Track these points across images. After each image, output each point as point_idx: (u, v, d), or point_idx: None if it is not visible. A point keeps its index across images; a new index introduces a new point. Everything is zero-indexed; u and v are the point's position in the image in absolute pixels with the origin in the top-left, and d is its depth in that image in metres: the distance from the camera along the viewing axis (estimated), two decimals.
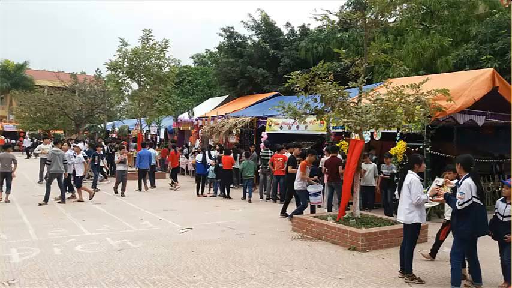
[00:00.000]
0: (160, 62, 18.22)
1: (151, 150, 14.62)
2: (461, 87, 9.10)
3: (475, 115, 9.42)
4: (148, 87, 18.49)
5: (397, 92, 6.94)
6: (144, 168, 13.48)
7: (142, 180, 13.41)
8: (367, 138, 8.77)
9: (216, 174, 12.38)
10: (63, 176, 10.79)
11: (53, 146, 11.38)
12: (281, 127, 13.17)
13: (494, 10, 14.87)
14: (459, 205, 4.68)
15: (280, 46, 20.29)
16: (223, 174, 12.20)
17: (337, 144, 10.33)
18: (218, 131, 15.18)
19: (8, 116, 43.32)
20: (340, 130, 10.44)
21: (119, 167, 12.35)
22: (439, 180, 5.86)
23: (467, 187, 4.67)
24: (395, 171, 9.19)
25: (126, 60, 17.70)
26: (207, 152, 12.76)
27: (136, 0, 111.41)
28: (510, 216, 4.87)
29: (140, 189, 13.27)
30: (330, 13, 7.99)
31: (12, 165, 10.81)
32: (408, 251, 5.27)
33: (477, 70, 10.72)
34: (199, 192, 12.46)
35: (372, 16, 8.00)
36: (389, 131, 8.55)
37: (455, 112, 8.75)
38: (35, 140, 30.24)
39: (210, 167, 12.40)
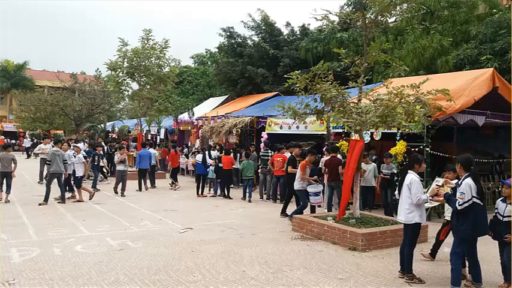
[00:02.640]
0: (160, 62, 18.23)
1: (151, 150, 14.61)
2: (461, 87, 9.09)
3: (475, 115, 9.42)
4: (148, 87, 18.51)
5: (397, 92, 6.95)
6: (144, 168, 13.48)
7: (142, 180, 13.41)
8: (367, 138, 8.77)
9: (216, 174, 12.38)
10: (63, 176, 10.79)
11: (53, 146, 11.36)
12: (281, 127, 13.16)
13: (494, 10, 14.87)
14: (459, 205, 4.68)
15: (280, 46, 20.29)
16: (223, 174, 12.20)
17: (337, 144, 10.33)
18: (218, 131, 15.18)
19: (8, 116, 43.30)
20: (340, 130, 10.44)
21: (119, 167, 12.34)
22: (439, 180, 5.85)
23: (467, 187, 4.67)
24: (396, 171, 9.19)
25: (126, 60, 17.71)
26: (207, 152, 12.76)
27: (136, 1, 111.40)
28: (510, 216, 4.87)
29: (140, 189, 13.28)
30: (330, 13, 7.99)
31: (12, 165, 10.80)
32: (408, 251, 5.27)
33: (477, 70, 10.71)
34: (199, 192, 12.45)
35: (372, 16, 7.99)
36: (389, 131, 8.55)
37: (455, 112, 8.74)
38: (35, 140, 30.24)
39: (210, 167, 12.39)
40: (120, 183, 12.18)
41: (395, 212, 7.64)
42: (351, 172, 7.49)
